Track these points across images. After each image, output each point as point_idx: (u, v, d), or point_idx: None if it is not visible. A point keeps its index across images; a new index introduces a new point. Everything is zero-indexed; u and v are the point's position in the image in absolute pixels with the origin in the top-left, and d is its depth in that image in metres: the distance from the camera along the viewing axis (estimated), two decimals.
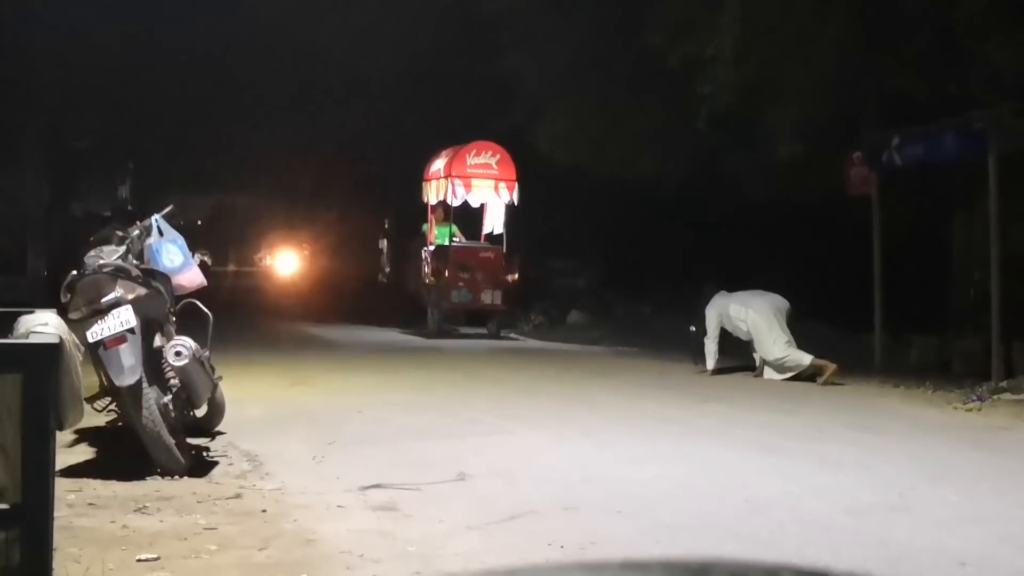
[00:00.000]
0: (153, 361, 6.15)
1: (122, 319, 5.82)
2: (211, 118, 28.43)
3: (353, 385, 10.70)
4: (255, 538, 4.77)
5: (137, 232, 6.93)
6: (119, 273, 6.12)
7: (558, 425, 8.28)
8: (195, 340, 6.36)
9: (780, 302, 11.97)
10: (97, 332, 5.78)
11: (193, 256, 7.21)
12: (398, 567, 4.39)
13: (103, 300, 5.94)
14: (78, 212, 28.51)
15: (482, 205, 17.91)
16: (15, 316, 4.14)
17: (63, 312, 5.55)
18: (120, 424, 6.71)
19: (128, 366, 5.78)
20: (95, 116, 24.79)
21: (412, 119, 23.70)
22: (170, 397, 6.17)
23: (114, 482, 5.80)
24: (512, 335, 17.80)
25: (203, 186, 43.64)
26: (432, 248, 17.88)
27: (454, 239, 17.60)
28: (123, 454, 6.24)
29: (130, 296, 6.00)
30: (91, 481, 5.82)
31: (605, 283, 21.51)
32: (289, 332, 18.16)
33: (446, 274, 17.19)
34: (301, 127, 28.89)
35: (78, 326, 5.67)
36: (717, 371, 12.08)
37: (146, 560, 4.39)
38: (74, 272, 6.16)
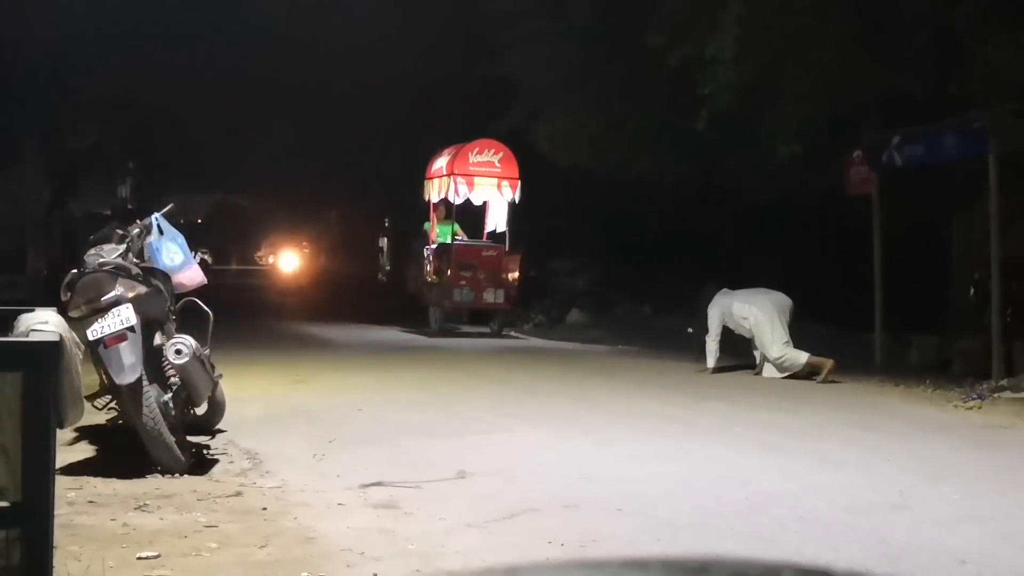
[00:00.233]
0: (153, 359, 6.15)
1: (122, 317, 5.82)
2: (211, 117, 28.43)
3: (353, 383, 10.70)
4: (255, 536, 4.78)
5: (137, 231, 6.93)
6: (119, 271, 6.12)
7: (558, 423, 8.28)
8: (195, 338, 6.36)
9: (783, 300, 11.96)
10: (97, 330, 5.78)
11: (193, 255, 7.21)
12: (398, 565, 4.39)
13: (103, 298, 5.94)
14: (78, 211, 28.53)
15: (484, 203, 17.85)
16: (15, 314, 4.13)
17: (63, 310, 5.54)
18: (120, 422, 6.71)
19: (128, 364, 5.78)
20: (95, 115, 24.80)
21: (412, 119, 23.72)
22: (170, 395, 6.17)
23: (114, 480, 5.80)
24: (514, 334, 17.78)
25: (203, 185, 43.62)
26: (434, 247, 17.82)
27: (456, 237, 17.55)
28: (123, 452, 6.24)
29: (130, 294, 6.00)
30: (91, 479, 5.82)
31: (605, 282, 21.52)
32: (289, 331, 18.16)
33: (448, 273, 17.13)
34: (302, 126, 28.90)
35: (78, 324, 5.66)
36: (717, 370, 12.08)
37: (146, 558, 4.39)
38: (74, 270, 6.16)
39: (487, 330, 17.65)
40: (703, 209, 18.80)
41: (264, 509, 5.29)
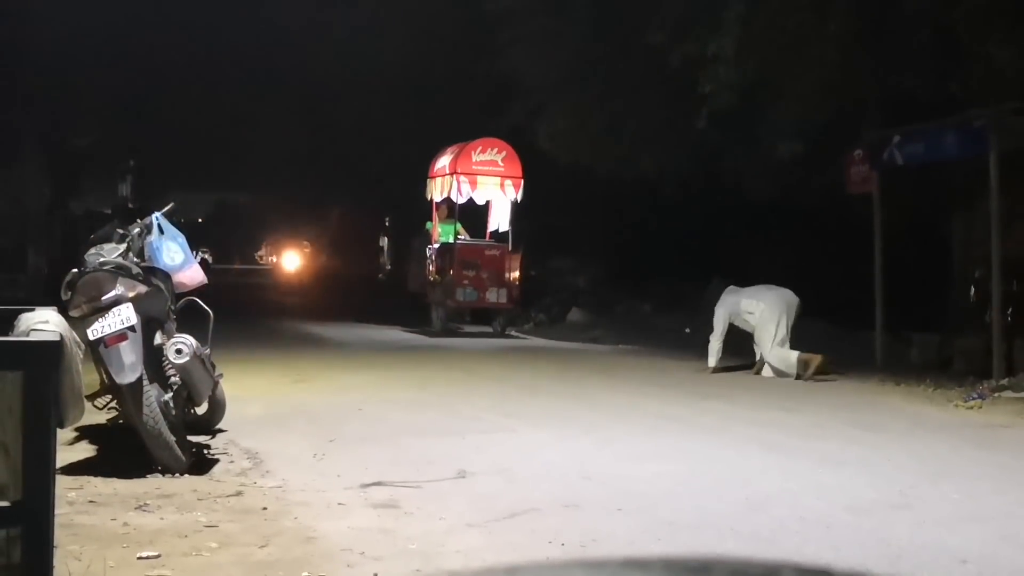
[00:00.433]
0: (154, 359, 6.15)
1: (123, 317, 5.82)
2: (212, 116, 28.44)
3: (354, 383, 10.70)
4: (256, 536, 4.78)
5: (138, 230, 6.92)
6: (120, 271, 6.12)
7: (559, 423, 8.28)
8: (196, 338, 6.36)
9: (791, 298, 11.91)
10: (98, 330, 5.78)
11: (194, 254, 7.21)
12: (399, 565, 4.39)
13: (104, 298, 5.93)
14: (79, 210, 28.53)
15: (487, 202, 17.82)
16: (15, 314, 4.13)
17: (64, 310, 5.54)
18: (121, 422, 6.71)
19: (129, 364, 5.78)
20: (96, 114, 24.80)
21: (413, 118, 23.72)
22: (171, 395, 6.16)
23: (115, 480, 5.80)
24: (516, 333, 17.75)
25: (204, 184, 43.65)
26: (437, 246, 17.77)
27: (459, 237, 17.49)
28: (124, 452, 6.24)
29: (131, 294, 6.00)
30: (92, 479, 5.82)
31: (605, 281, 21.52)
32: (290, 330, 18.16)
33: (451, 272, 17.08)
34: (302, 125, 28.91)
35: (79, 324, 5.66)
36: (718, 370, 12.07)
37: (147, 558, 4.39)
38: (75, 270, 6.16)
39: (489, 329, 17.60)
40: (704, 208, 18.80)
41: (264, 509, 5.29)
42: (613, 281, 21.33)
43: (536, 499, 5.57)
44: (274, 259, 57.92)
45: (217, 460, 6.54)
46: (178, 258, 6.98)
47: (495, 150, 17.42)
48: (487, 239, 17.89)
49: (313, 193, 37.90)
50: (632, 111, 17.10)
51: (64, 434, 6.36)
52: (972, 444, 7.71)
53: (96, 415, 6.61)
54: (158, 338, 6.29)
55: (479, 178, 17.32)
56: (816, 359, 11.43)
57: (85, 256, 6.44)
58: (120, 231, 6.88)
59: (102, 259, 6.27)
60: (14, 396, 2.94)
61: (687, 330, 14.92)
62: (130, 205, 30.01)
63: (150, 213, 7.24)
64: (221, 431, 7.40)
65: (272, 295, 32.26)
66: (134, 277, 6.13)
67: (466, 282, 17.06)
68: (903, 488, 6.01)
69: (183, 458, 6.07)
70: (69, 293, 6.01)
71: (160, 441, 5.93)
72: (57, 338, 3.44)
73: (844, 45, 12.98)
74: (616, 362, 13.55)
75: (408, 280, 21.55)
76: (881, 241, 13.25)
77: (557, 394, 10.13)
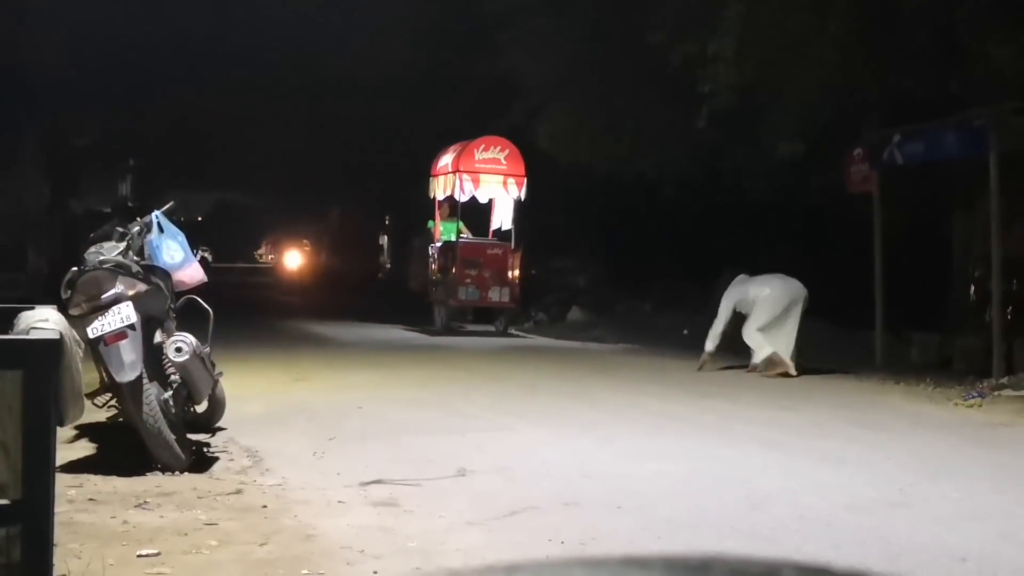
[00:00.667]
0: (154, 357, 6.15)
1: (122, 315, 5.82)
2: (212, 115, 28.43)
3: (354, 381, 10.70)
4: (255, 534, 4.78)
5: (137, 228, 6.92)
6: (119, 269, 6.11)
7: (559, 421, 8.28)
8: (196, 336, 6.36)
9: (798, 290, 11.86)
10: (97, 328, 5.78)
11: (194, 252, 7.21)
12: (398, 563, 4.39)
13: (103, 296, 5.93)
14: (78, 209, 28.52)
15: (490, 201, 17.77)
16: (15, 312, 4.12)
17: (63, 308, 5.54)
18: (120, 420, 6.72)
19: (128, 362, 5.78)
20: (96, 113, 24.80)
21: (412, 117, 23.71)
22: (170, 393, 6.16)
23: (115, 478, 5.80)
24: (518, 333, 17.72)
25: (204, 183, 43.62)
26: (439, 244, 17.72)
27: (461, 235, 17.43)
28: (123, 450, 6.24)
29: (130, 292, 6.00)
30: (92, 477, 5.82)
31: (605, 281, 21.52)
32: (290, 328, 18.16)
33: (453, 271, 17.02)
34: (302, 123, 28.89)
35: (79, 322, 5.67)
36: (717, 359, 12.02)
37: (146, 556, 4.39)
38: (74, 268, 6.16)
39: (491, 329, 17.54)
40: (704, 207, 18.80)
41: (264, 507, 5.29)
42: (613, 280, 21.32)
43: (536, 497, 5.57)
44: (272, 258, 57.90)
45: (217, 458, 6.54)
46: (178, 256, 6.98)
47: (498, 148, 17.36)
48: (490, 238, 17.83)
49: (313, 192, 37.87)
50: (632, 111, 17.09)
51: (64, 432, 6.36)
52: (972, 443, 7.71)
53: (96, 413, 6.62)
54: (158, 336, 6.29)
55: (482, 176, 17.24)
56: (783, 368, 11.45)
57: (85, 255, 6.44)
58: (120, 230, 6.88)
59: (102, 258, 6.27)
60: (14, 394, 2.94)
61: (685, 332, 14.90)
62: (130, 204, 30.01)
63: (150, 212, 7.24)
64: (221, 429, 7.40)
65: (272, 294, 32.25)
66: (134, 276, 6.13)
67: (468, 281, 16.99)
68: (903, 486, 6.01)
69: (183, 456, 6.07)
70: (69, 292, 6.01)
71: (160, 439, 5.93)
72: (57, 336, 3.44)
73: (844, 44, 12.97)
74: (616, 361, 13.55)
75: (409, 279, 21.52)
76: (881, 240, 13.25)
77: (557, 393, 10.13)
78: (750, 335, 11.73)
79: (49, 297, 5.80)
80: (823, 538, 4.86)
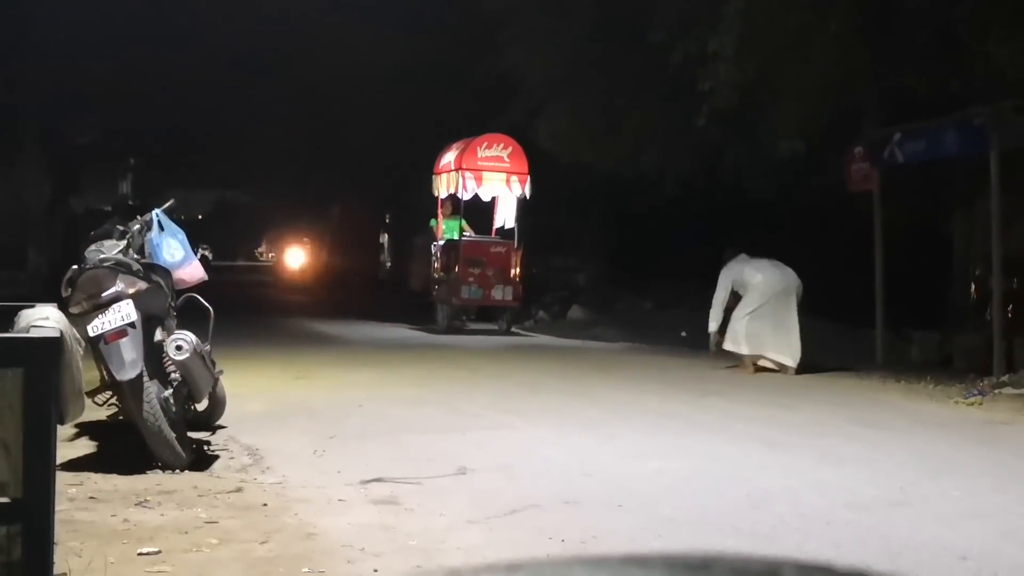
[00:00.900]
0: (154, 355, 6.15)
1: (123, 313, 5.82)
2: (213, 113, 28.43)
3: (355, 380, 10.69)
4: (256, 532, 4.78)
5: (138, 227, 6.92)
6: (120, 268, 6.11)
7: (559, 420, 8.28)
8: (196, 334, 6.36)
9: (791, 280, 11.88)
10: (98, 326, 5.77)
11: (194, 251, 7.21)
12: (399, 561, 4.39)
13: (104, 294, 5.93)
14: (79, 207, 28.53)
15: (493, 199, 17.74)
16: (16, 311, 4.13)
17: (64, 306, 5.54)
18: (121, 418, 6.72)
19: (129, 360, 5.78)
20: (96, 112, 24.79)
21: (413, 115, 23.70)
22: (171, 391, 6.16)
23: (115, 476, 5.80)
24: (521, 331, 17.66)
25: (204, 181, 43.63)
26: (441, 243, 17.68)
27: (464, 233, 17.38)
28: (124, 448, 6.24)
29: (131, 290, 5.99)
30: (92, 475, 5.82)
31: (606, 279, 21.52)
32: (290, 327, 18.16)
33: (456, 269, 16.95)
34: (302, 122, 28.90)
35: (79, 320, 5.67)
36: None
37: (147, 554, 4.39)
38: (75, 267, 6.16)
39: (494, 327, 17.48)
40: (704, 206, 18.80)
41: (265, 505, 5.29)
42: (613, 279, 21.33)
43: (537, 496, 5.57)
44: (273, 256, 57.91)
45: (217, 456, 6.54)
46: (178, 255, 6.98)
47: (501, 146, 17.28)
48: (492, 236, 17.78)
49: (313, 190, 37.87)
50: (632, 109, 17.08)
51: (64, 430, 6.36)
52: (972, 441, 7.71)
53: (96, 411, 6.62)
54: (158, 335, 6.29)
55: (485, 174, 17.15)
56: (751, 370, 11.51)
57: (85, 253, 6.44)
58: (120, 228, 6.88)
59: (102, 256, 6.27)
60: (14, 392, 2.94)
61: (683, 334, 14.90)
62: (130, 202, 30.02)
63: (150, 210, 7.24)
64: (221, 427, 7.40)
65: (272, 292, 32.26)
66: (134, 274, 6.13)
67: (471, 280, 16.90)
68: (904, 485, 6.01)
69: (183, 454, 6.07)
70: (69, 290, 6.01)
71: (160, 438, 5.93)
72: (57, 335, 3.44)
73: (845, 43, 12.98)
74: (617, 360, 13.55)
75: (410, 277, 21.49)
76: (882, 239, 13.25)
77: (558, 391, 10.13)
78: (737, 322, 11.77)
79: (49, 295, 5.80)
80: (824, 537, 4.86)
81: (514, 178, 17.22)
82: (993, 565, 4.52)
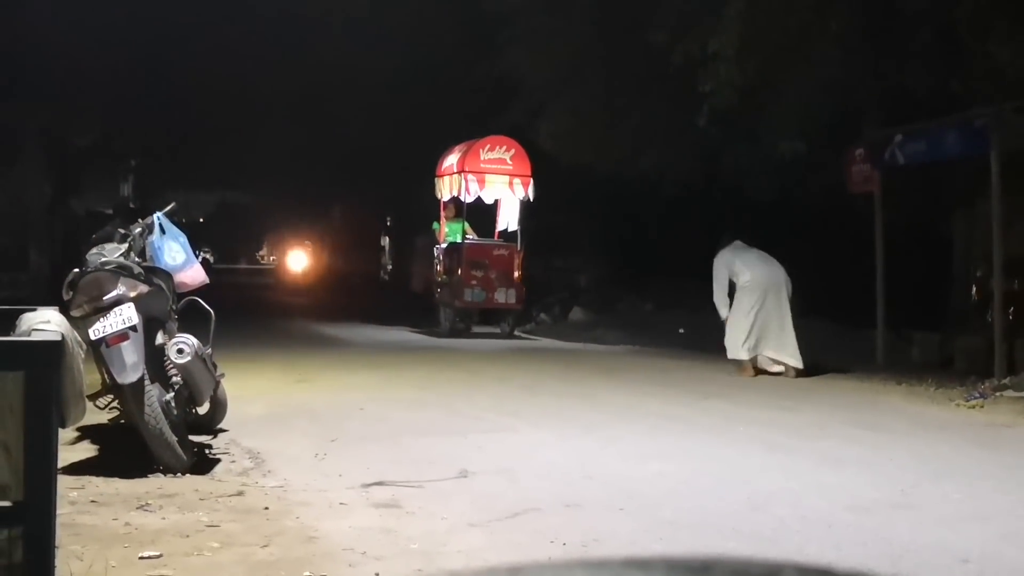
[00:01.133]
0: (155, 359, 6.15)
1: (124, 317, 5.82)
2: (214, 115, 28.43)
3: (356, 382, 10.70)
4: (257, 535, 4.78)
5: (139, 230, 6.92)
6: (121, 271, 6.12)
7: (560, 422, 8.28)
8: (197, 337, 6.36)
9: (781, 277, 11.86)
10: (99, 330, 5.78)
11: (196, 254, 7.21)
12: (400, 564, 4.39)
13: (105, 298, 5.94)
14: (80, 210, 28.53)
15: (496, 201, 17.73)
16: (17, 314, 4.13)
17: (65, 310, 5.54)
18: (122, 422, 6.72)
19: (130, 363, 5.78)
20: (97, 113, 24.79)
21: (413, 117, 23.72)
22: (172, 395, 6.16)
23: (116, 479, 5.80)
24: (523, 334, 17.61)
25: (206, 184, 43.62)
26: (444, 246, 17.65)
27: (467, 236, 17.35)
28: (125, 451, 6.24)
29: (132, 294, 6.00)
30: (93, 478, 5.82)
31: (607, 280, 21.52)
32: (291, 329, 18.16)
33: (458, 272, 16.93)
34: (303, 124, 28.90)
35: (80, 324, 5.67)
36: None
37: (148, 558, 4.39)
38: (76, 270, 6.16)
39: (496, 330, 17.44)
40: (705, 206, 18.79)
41: (266, 508, 5.29)
42: (614, 280, 21.33)
43: (538, 499, 5.57)
44: (274, 259, 57.94)
45: (219, 460, 6.54)
46: (179, 258, 6.98)
47: (504, 148, 17.23)
48: (495, 238, 17.75)
49: (314, 193, 37.90)
50: (633, 110, 17.09)
51: (66, 434, 6.37)
52: (974, 443, 7.71)
53: (98, 415, 6.62)
54: (160, 338, 6.29)
55: (487, 176, 17.10)
56: (748, 374, 11.46)
57: (87, 256, 6.44)
58: (121, 231, 6.88)
59: (104, 259, 6.27)
60: (16, 396, 2.94)
61: (681, 331, 14.90)
62: (131, 205, 30.03)
63: (151, 213, 7.25)
64: (223, 431, 7.40)
65: (273, 294, 32.27)
66: (136, 277, 6.13)
67: (474, 282, 16.85)
68: (905, 487, 6.01)
69: (185, 458, 6.07)
70: (71, 293, 6.01)
71: (162, 441, 5.93)
72: (58, 338, 3.44)
73: (845, 44, 12.99)
74: (617, 362, 13.55)
75: (412, 280, 21.48)
76: (882, 240, 13.25)
77: (559, 394, 10.13)
78: (732, 328, 11.77)
79: (51, 298, 5.80)
80: (825, 539, 4.86)
81: (517, 180, 17.18)
82: (994, 568, 4.52)
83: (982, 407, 9.45)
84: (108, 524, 4.92)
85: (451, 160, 17.67)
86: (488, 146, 17.18)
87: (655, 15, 14.69)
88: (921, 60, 12.66)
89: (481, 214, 17.92)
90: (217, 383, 6.89)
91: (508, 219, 17.62)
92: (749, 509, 5.47)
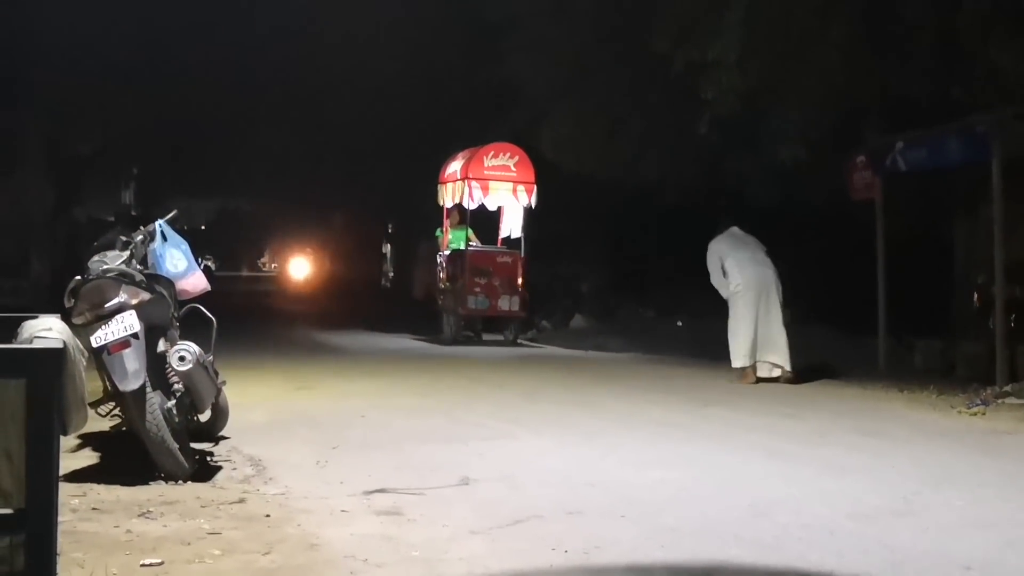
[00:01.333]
0: (157, 366, 6.15)
1: (126, 324, 5.82)
2: (215, 123, 28.48)
3: (357, 390, 10.70)
4: (259, 543, 4.77)
5: (141, 237, 6.92)
6: (123, 278, 6.12)
7: (562, 429, 8.28)
8: (199, 345, 6.36)
9: (771, 277, 11.84)
10: (101, 337, 5.78)
11: (197, 261, 7.21)
12: (402, 572, 4.39)
13: (107, 305, 5.94)
14: (82, 217, 28.57)
15: (499, 208, 17.69)
16: (19, 321, 4.13)
17: (67, 317, 5.54)
18: (124, 429, 6.72)
19: (132, 371, 5.78)
20: (99, 121, 24.83)
21: (415, 124, 23.75)
22: (174, 402, 6.16)
23: (118, 487, 5.80)
24: (525, 342, 17.58)
25: (207, 191, 43.66)
26: (447, 253, 17.64)
27: (470, 243, 17.33)
28: (127, 459, 6.24)
29: (134, 301, 6.00)
30: (95, 486, 5.82)
31: (608, 287, 21.52)
32: (293, 337, 18.15)
33: (462, 280, 16.91)
34: (305, 131, 28.95)
35: (82, 331, 5.67)
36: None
37: (150, 565, 4.39)
38: (78, 277, 6.16)
39: (500, 337, 17.41)
40: (706, 213, 18.78)
41: (267, 516, 5.29)
42: (616, 287, 21.33)
43: (539, 506, 5.57)
44: (276, 266, 57.98)
45: (220, 467, 6.54)
46: (181, 265, 6.98)
47: (507, 155, 17.23)
48: (499, 245, 17.73)
49: (316, 199, 37.92)
50: (635, 116, 17.10)
51: (67, 441, 6.37)
52: (976, 451, 7.70)
53: (99, 422, 6.62)
54: (161, 345, 6.29)
55: (491, 183, 17.11)
56: (749, 380, 11.46)
57: (88, 263, 6.44)
58: (123, 238, 6.87)
59: (105, 266, 6.27)
60: (17, 403, 2.94)
61: (679, 323, 14.89)
62: (133, 212, 30.07)
63: (153, 220, 7.25)
64: (224, 438, 7.40)
65: (275, 302, 32.27)
66: (137, 284, 6.14)
67: (478, 290, 16.82)
68: (906, 494, 6.00)
69: (186, 465, 6.07)
70: (72, 300, 6.01)
71: (163, 448, 5.93)
72: (60, 345, 3.44)
73: (846, 50, 12.99)
74: (619, 369, 13.55)
75: (414, 287, 21.46)
76: (884, 246, 13.25)
77: (560, 401, 10.13)
78: (731, 337, 11.76)
79: (52, 305, 5.80)
80: (826, 546, 4.85)
81: (520, 187, 17.18)
82: (996, 575, 4.52)
83: (984, 414, 9.44)
84: (109, 531, 4.92)
85: (454, 167, 17.66)
86: (492, 153, 17.18)
87: (656, 22, 14.70)
88: (922, 67, 12.67)
89: (484, 221, 17.92)
90: (219, 390, 6.89)
91: (512, 226, 17.61)
92: (751, 516, 5.46)
